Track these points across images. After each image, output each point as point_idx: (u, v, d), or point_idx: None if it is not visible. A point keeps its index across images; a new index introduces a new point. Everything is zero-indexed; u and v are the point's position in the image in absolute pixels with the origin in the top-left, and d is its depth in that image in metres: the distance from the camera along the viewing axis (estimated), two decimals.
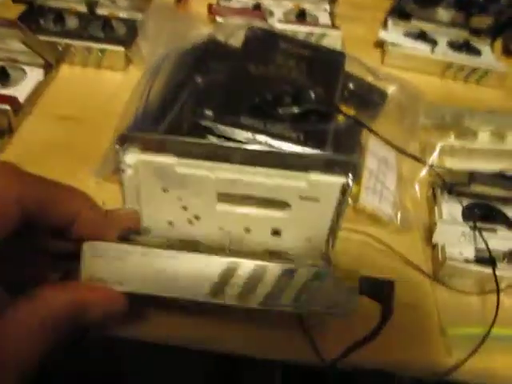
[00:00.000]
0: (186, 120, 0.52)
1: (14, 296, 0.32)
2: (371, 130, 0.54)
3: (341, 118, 0.58)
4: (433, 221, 0.55)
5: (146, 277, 0.38)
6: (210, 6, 0.82)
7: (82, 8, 0.76)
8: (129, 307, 0.37)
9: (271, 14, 0.85)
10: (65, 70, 0.70)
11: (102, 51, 0.69)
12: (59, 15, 0.73)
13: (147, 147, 0.41)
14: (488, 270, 0.50)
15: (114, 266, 0.37)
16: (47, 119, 0.63)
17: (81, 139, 0.61)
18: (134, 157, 0.42)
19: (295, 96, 0.54)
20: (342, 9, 0.89)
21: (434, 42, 0.83)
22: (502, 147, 0.63)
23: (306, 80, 0.58)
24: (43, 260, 0.38)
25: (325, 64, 0.61)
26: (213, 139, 0.51)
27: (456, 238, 0.52)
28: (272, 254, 0.44)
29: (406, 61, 0.79)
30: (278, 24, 0.79)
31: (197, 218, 0.44)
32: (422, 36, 0.83)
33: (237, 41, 0.65)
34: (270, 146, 0.52)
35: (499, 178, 0.55)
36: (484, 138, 0.63)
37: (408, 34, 0.83)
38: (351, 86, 0.64)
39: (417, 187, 0.59)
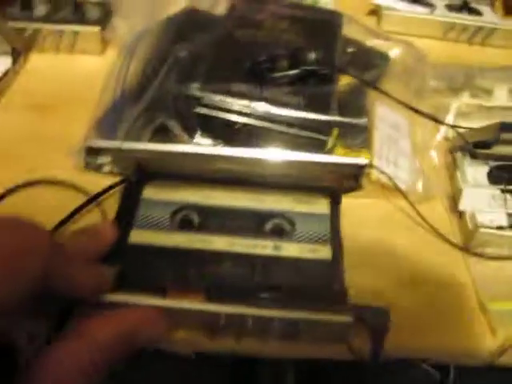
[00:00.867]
0: (169, 94, 0.46)
1: None
2: (380, 90, 0.48)
3: (342, 82, 0.52)
4: (456, 187, 0.49)
5: None
6: None
7: None
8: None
9: None
10: (35, 57, 0.64)
11: (75, 34, 0.62)
12: (26, 0, 0.66)
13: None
14: None
15: None
16: (18, 109, 0.57)
17: (56, 128, 0.55)
18: (107, 158, 0.40)
19: (292, 58, 0.48)
20: None
21: (430, 6, 0.77)
22: None
23: (301, 42, 0.51)
24: None
25: (321, 24, 0.55)
26: (203, 110, 0.45)
27: (485, 203, 0.47)
28: None
29: (403, 25, 0.73)
30: None
31: None
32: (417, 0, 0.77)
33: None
34: (269, 114, 0.45)
35: None
36: (501, 96, 0.57)
37: None
38: (350, 49, 0.58)
39: (433, 153, 0.53)
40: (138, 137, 0.46)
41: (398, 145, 0.51)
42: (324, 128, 0.46)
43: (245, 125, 0.46)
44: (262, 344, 0.38)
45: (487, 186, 0.48)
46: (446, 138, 0.55)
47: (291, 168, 0.42)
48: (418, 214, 0.46)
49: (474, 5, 0.78)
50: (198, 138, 0.47)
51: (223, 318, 0.36)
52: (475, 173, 0.50)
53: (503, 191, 0.46)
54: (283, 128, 0.46)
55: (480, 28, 0.72)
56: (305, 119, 0.46)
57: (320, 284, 0.39)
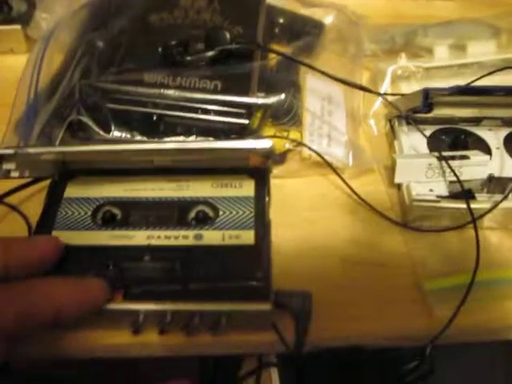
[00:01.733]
0: (79, 89, 0.43)
1: None
2: (307, 65, 0.45)
3: (272, 57, 0.49)
4: (393, 159, 0.46)
5: None
6: None
7: None
8: None
9: None
10: None
11: None
12: None
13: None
14: (464, 205, 0.41)
15: None
16: None
17: None
18: (12, 164, 0.38)
19: (206, 39, 0.45)
20: None
21: None
22: (464, 60, 0.53)
23: (220, 20, 0.49)
24: None
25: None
26: (116, 105, 0.42)
27: (422, 173, 0.44)
28: None
29: None
30: None
31: None
32: None
33: None
34: (185, 101, 0.43)
35: (463, 95, 0.46)
36: (442, 54, 0.54)
37: None
38: (280, 20, 0.55)
39: (372, 122, 0.50)
40: (52, 136, 0.44)
41: (332, 117, 0.49)
42: (243, 110, 0.44)
43: (162, 115, 0.44)
44: (187, 339, 0.37)
45: (423, 155, 0.46)
46: (385, 105, 0.52)
47: (208, 154, 0.39)
48: (352, 190, 0.44)
49: None
50: (115, 133, 0.44)
51: (142, 316, 0.34)
52: (414, 141, 0.48)
53: (439, 159, 0.43)
54: (201, 115, 0.44)
55: None
56: (223, 103, 0.44)
57: (242, 272, 0.37)
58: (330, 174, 0.47)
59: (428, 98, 0.42)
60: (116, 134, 0.44)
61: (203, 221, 0.40)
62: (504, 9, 0.61)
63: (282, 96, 0.45)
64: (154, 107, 0.44)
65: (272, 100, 0.44)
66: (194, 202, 0.41)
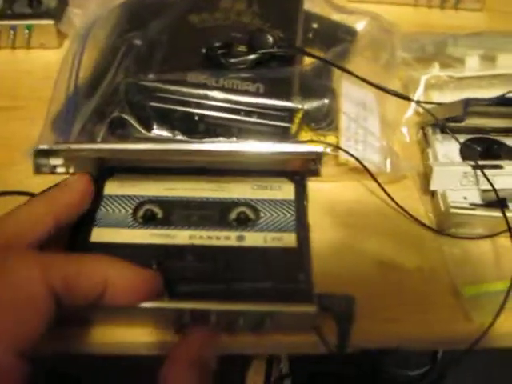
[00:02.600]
0: (122, 87, 0.44)
1: None
2: (344, 69, 0.46)
3: (307, 61, 0.50)
4: (427, 166, 0.47)
5: None
6: None
7: None
8: None
9: None
10: None
11: (29, 28, 0.60)
12: None
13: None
14: (499, 214, 0.42)
15: None
16: None
17: (14, 130, 0.53)
18: (60, 160, 0.38)
19: (249, 42, 0.46)
20: None
21: None
22: (494, 71, 0.54)
23: (260, 23, 0.49)
24: None
25: (280, 2, 0.52)
26: (158, 103, 0.43)
27: (457, 181, 0.45)
28: None
29: None
30: None
31: None
32: None
33: None
34: (227, 103, 0.43)
35: (497, 106, 0.47)
36: (472, 64, 0.55)
37: None
38: (314, 25, 0.55)
39: (404, 130, 0.51)
40: (93, 133, 0.44)
41: (367, 123, 0.49)
42: (286, 113, 0.44)
43: (203, 116, 0.45)
44: (230, 339, 0.37)
45: (458, 163, 0.46)
46: (418, 113, 0.53)
47: (248, 157, 0.40)
48: (389, 196, 0.45)
49: None
50: (156, 131, 0.45)
51: (187, 315, 0.35)
52: (447, 149, 0.48)
53: (474, 167, 0.44)
54: (243, 117, 0.44)
55: None
56: (265, 106, 0.44)
57: (285, 273, 0.37)
58: (364, 180, 0.47)
59: (467, 108, 0.43)
60: (157, 132, 0.45)
61: (244, 222, 0.40)
62: None
63: (325, 101, 0.45)
64: (196, 107, 0.44)
65: (314, 104, 0.45)
66: (235, 203, 0.41)
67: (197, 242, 0.39)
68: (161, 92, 0.44)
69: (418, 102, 0.48)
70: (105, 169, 0.43)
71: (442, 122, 0.47)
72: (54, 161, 0.37)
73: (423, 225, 0.44)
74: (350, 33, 0.56)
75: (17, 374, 0.26)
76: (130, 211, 0.41)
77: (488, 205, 0.44)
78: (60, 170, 0.38)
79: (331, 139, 0.47)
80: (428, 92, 0.53)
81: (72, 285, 0.29)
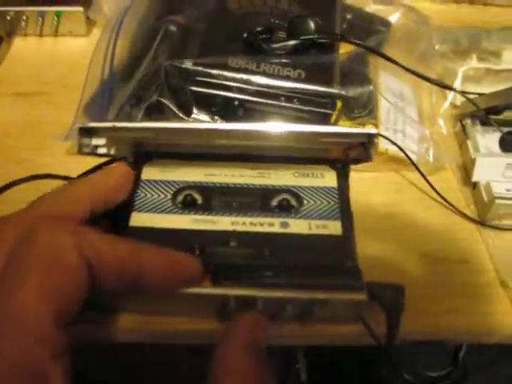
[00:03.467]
0: (162, 71, 0.43)
1: None
2: (386, 56, 0.45)
3: (341, 51, 0.49)
4: (467, 157, 0.46)
5: None
6: None
7: None
8: None
9: None
10: (18, 41, 0.61)
11: (58, 14, 0.59)
12: None
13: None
14: None
15: None
16: (3, 98, 0.55)
17: (43, 115, 0.52)
18: (102, 140, 0.37)
19: (289, 28, 0.45)
20: None
21: None
22: None
23: (298, 10, 0.48)
24: None
25: None
26: (199, 87, 0.42)
27: (499, 172, 0.44)
28: None
29: None
30: None
31: None
32: None
33: None
34: (268, 88, 0.42)
35: None
36: (509, 58, 0.54)
37: None
38: (349, 16, 0.55)
39: (441, 122, 0.50)
40: (130, 116, 0.43)
41: (405, 113, 0.48)
42: (327, 100, 0.44)
43: (243, 101, 0.44)
44: (273, 328, 0.36)
45: (502, 154, 0.46)
46: (454, 106, 0.52)
47: (296, 141, 0.39)
48: (431, 186, 0.44)
49: None
50: (195, 115, 0.44)
51: (233, 302, 0.33)
52: (487, 141, 0.47)
53: None
54: (284, 103, 0.44)
55: None
56: (306, 92, 0.43)
57: (332, 261, 0.36)
58: (403, 170, 0.46)
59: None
60: (196, 117, 0.44)
61: (287, 209, 0.39)
62: None
63: (365, 89, 0.45)
64: (237, 92, 0.43)
65: (356, 91, 0.44)
66: (277, 190, 0.41)
67: (240, 228, 0.38)
68: (201, 76, 0.43)
69: (462, 92, 0.47)
70: (142, 153, 0.42)
71: (483, 112, 0.46)
72: (96, 141, 0.36)
73: (466, 216, 0.43)
74: (384, 24, 0.55)
75: (56, 342, 0.25)
76: (170, 196, 0.40)
77: None
78: (101, 150, 0.37)
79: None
80: (465, 84, 0.52)
81: (106, 262, 0.28)
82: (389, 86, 0.50)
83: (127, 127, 0.36)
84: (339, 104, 0.45)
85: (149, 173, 0.41)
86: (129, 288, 0.30)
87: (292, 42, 0.45)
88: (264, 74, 0.43)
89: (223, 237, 0.37)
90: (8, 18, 0.60)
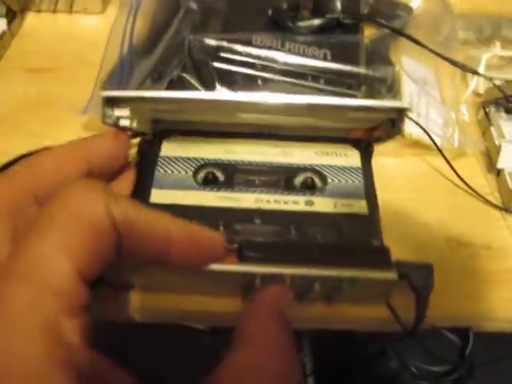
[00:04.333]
0: (185, 46, 0.42)
1: None
2: (412, 38, 0.44)
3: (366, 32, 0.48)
4: (492, 144, 0.46)
5: None
6: None
7: None
8: None
9: None
10: (32, 18, 0.60)
11: None
12: None
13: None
14: None
15: None
16: (17, 73, 0.53)
17: (58, 91, 0.51)
18: (125, 111, 0.36)
19: (315, 7, 0.44)
20: None
21: None
22: None
23: None
24: None
25: None
26: (222, 63, 0.41)
27: None
28: None
29: None
30: None
31: None
32: None
33: None
34: (293, 66, 0.42)
35: None
36: None
37: None
38: (371, 1, 0.54)
39: (463, 109, 0.49)
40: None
41: (429, 98, 0.47)
42: (352, 81, 0.43)
43: (267, 79, 0.43)
44: (299, 309, 0.35)
45: None
46: (476, 93, 0.51)
47: (323, 116, 0.38)
48: (455, 172, 0.43)
49: None
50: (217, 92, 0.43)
51: (259, 279, 0.33)
52: (511, 128, 0.47)
53: None
54: (309, 83, 0.43)
55: None
56: (332, 72, 0.42)
57: (358, 240, 0.36)
58: (426, 155, 0.46)
59: None
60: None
61: (311, 187, 0.39)
62: None
63: (390, 70, 0.44)
64: (261, 70, 0.42)
65: (381, 72, 0.43)
66: (301, 168, 0.40)
67: (264, 206, 0.37)
68: (225, 52, 0.42)
69: (489, 78, 0.47)
70: (161, 130, 0.41)
71: (509, 97, 0.45)
72: (119, 111, 0.35)
73: (490, 203, 0.43)
74: (406, 10, 0.55)
75: (74, 297, 0.24)
76: (190, 173, 0.39)
77: None
78: (123, 122, 0.36)
79: None
80: (488, 72, 0.51)
81: (134, 226, 0.27)
82: (412, 70, 0.49)
83: (152, 97, 0.35)
84: (363, 88, 0.44)
85: (168, 149, 0.41)
86: (153, 258, 0.29)
87: (318, 21, 0.44)
88: (289, 52, 0.43)
89: (247, 214, 0.36)
90: None
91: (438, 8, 0.55)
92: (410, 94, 0.47)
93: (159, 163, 0.40)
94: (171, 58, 0.43)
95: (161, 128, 0.41)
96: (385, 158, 0.45)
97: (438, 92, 0.49)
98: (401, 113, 0.35)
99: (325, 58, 0.43)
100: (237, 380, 0.26)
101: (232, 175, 0.39)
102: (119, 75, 0.44)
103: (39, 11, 0.60)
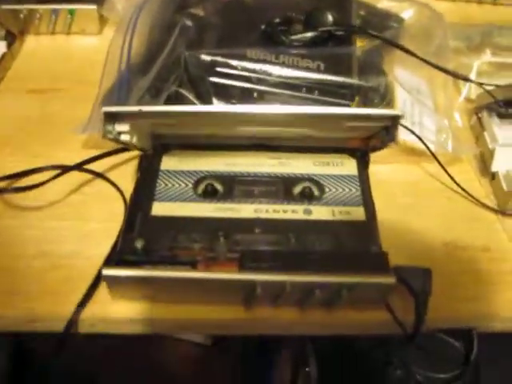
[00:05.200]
0: (181, 62, 0.43)
1: None
2: (404, 49, 0.45)
3: (359, 44, 0.49)
4: (485, 148, 0.47)
5: None
6: None
7: None
8: None
9: None
10: (31, 40, 0.61)
11: (71, 12, 0.59)
12: None
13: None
14: None
15: None
16: (17, 95, 0.54)
17: (58, 111, 0.53)
18: (125, 126, 0.37)
19: (307, 20, 0.45)
20: None
21: None
22: None
23: (314, 3, 0.48)
24: None
25: None
26: (218, 78, 0.42)
27: None
28: None
29: None
30: None
31: None
32: None
33: None
34: (287, 79, 0.43)
35: None
36: None
37: None
38: (362, 13, 0.55)
39: (457, 115, 0.50)
40: None
41: (422, 106, 0.48)
42: (346, 91, 0.44)
43: (262, 92, 0.44)
44: (300, 316, 0.36)
45: None
46: (468, 100, 0.52)
47: (318, 126, 0.39)
48: (450, 177, 0.44)
49: None
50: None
51: (260, 287, 0.33)
52: (504, 132, 0.47)
53: None
54: (303, 94, 0.44)
55: None
56: (325, 83, 0.43)
57: (357, 246, 0.36)
58: (421, 162, 0.47)
59: None
60: None
61: (309, 196, 0.40)
62: None
63: (383, 81, 0.45)
64: (256, 83, 0.43)
65: (374, 82, 0.44)
66: (299, 178, 0.41)
67: (263, 215, 0.38)
68: (221, 66, 0.43)
69: (480, 84, 0.48)
70: (160, 144, 0.42)
71: (499, 104, 0.46)
72: (119, 127, 0.36)
73: (486, 206, 0.43)
74: (398, 21, 0.56)
75: None
76: (190, 186, 0.40)
77: None
78: (124, 137, 0.37)
79: None
80: (479, 79, 0.52)
81: None
82: (405, 79, 0.50)
83: (153, 111, 0.36)
84: (356, 98, 0.45)
85: (168, 163, 0.41)
86: None
87: (310, 34, 0.45)
88: (283, 64, 0.44)
89: (247, 224, 0.37)
90: (21, 16, 0.60)
91: (429, 18, 0.56)
92: (403, 103, 0.48)
93: (160, 177, 0.41)
94: (168, 75, 0.44)
95: (160, 142, 0.42)
96: (381, 165, 0.45)
97: (431, 100, 0.50)
98: (394, 120, 0.36)
99: (318, 70, 0.44)
100: None
101: (231, 186, 0.40)
102: (118, 93, 0.45)
103: (38, 33, 0.61)
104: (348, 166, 0.41)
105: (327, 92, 0.44)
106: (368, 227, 0.37)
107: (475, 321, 0.38)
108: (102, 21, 0.61)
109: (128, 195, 0.41)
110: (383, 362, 0.79)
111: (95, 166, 0.44)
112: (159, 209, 0.38)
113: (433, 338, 0.60)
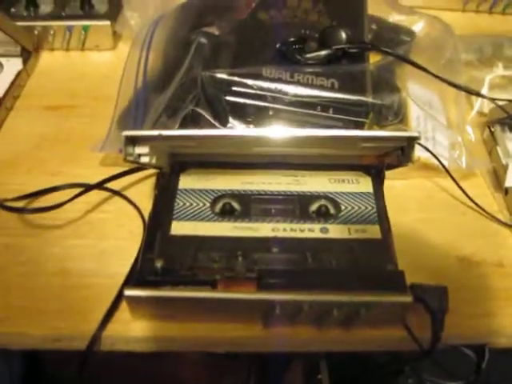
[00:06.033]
0: (197, 81, 0.44)
1: None
2: (416, 64, 0.46)
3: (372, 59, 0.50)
4: (498, 163, 0.47)
5: None
6: None
7: None
8: None
9: None
10: (46, 56, 0.62)
11: (86, 28, 0.60)
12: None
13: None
14: None
15: None
16: (34, 112, 0.55)
17: (74, 128, 0.53)
18: (145, 149, 0.37)
19: (321, 38, 0.46)
20: None
21: None
22: None
23: (328, 22, 0.49)
24: None
25: (345, 2, 0.52)
26: (234, 97, 0.43)
27: None
28: None
29: None
30: None
31: None
32: None
33: None
34: (302, 97, 0.43)
35: None
36: None
37: None
38: (373, 27, 0.55)
39: (469, 129, 0.51)
40: (167, 127, 0.44)
41: (436, 120, 0.49)
42: (361, 109, 0.44)
43: (278, 110, 0.44)
44: (317, 334, 0.37)
45: None
46: (481, 113, 0.53)
47: (335, 147, 0.39)
48: (464, 192, 0.44)
49: None
50: (230, 125, 0.45)
51: (278, 306, 0.34)
52: None
53: None
54: (318, 112, 0.44)
55: None
56: (340, 101, 0.44)
57: (373, 264, 0.37)
58: (434, 177, 0.47)
59: None
60: (231, 127, 0.45)
61: (325, 215, 0.40)
62: None
63: (396, 97, 0.45)
64: (272, 102, 0.44)
65: (388, 100, 0.45)
66: (315, 196, 0.41)
67: (280, 234, 0.39)
68: (237, 86, 0.44)
69: (492, 99, 0.48)
70: (178, 163, 0.43)
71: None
72: (139, 149, 0.37)
73: (499, 221, 0.44)
74: (409, 34, 0.56)
75: None
76: (208, 204, 0.41)
77: None
78: (144, 159, 0.38)
79: None
80: (491, 92, 0.53)
81: None
82: (417, 95, 0.50)
83: (173, 135, 0.37)
84: (370, 115, 0.45)
85: (186, 182, 0.42)
86: None
87: (325, 52, 0.45)
88: (298, 83, 0.44)
89: (265, 243, 0.38)
90: (36, 32, 0.60)
91: (440, 31, 0.57)
92: (416, 119, 0.48)
93: (178, 196, 0.41)
94: (185, 94, 0.44)
95: (178, 161, 0.43)
96: (395, 180, 0.46)
97: (443, 114, 0.51)
98: (410, 141, 0.36)
99: (333, 88, 0.44)
100: None
101: (248, 205, 0.40)
102: (134, 112, 0.45)
103: (52, 49, 0.62)
104: (363, 184, 0.42)
105: (342, 110, 0.44)
106: (384, 245, 0.38)
107: (490, 337, 0.38)
108: (116, 37, 0.62)
109: (146, 213, 0.42)
110: (395, 371, 0.80)
111: (113, 184, 0.45)
112: (178, 228, 0.39)
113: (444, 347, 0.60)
